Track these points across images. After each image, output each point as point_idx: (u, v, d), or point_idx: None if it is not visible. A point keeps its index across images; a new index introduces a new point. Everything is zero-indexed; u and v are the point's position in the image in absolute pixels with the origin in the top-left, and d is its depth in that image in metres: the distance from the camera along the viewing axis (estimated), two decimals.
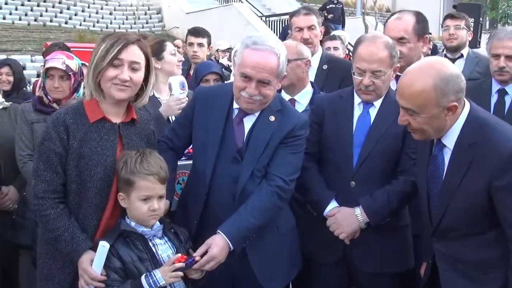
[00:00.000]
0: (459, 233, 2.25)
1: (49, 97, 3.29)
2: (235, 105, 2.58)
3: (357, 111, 2.80)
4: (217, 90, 2.70)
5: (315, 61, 3.77)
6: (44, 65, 3.35)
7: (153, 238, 2.37)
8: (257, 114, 2.57)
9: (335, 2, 16.27)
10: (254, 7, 19.00)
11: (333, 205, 2.78)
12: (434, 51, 8.34)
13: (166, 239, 2.42)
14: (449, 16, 5.04)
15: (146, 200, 2.30)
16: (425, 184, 2.36)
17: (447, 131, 2.24)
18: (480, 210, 2.17)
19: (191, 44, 4.76)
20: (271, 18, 18.28)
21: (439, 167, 2.29)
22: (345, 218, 2.72)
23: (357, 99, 2.80)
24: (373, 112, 2.78)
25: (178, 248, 2.41)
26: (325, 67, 3.75)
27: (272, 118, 2.55)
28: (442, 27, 5.12)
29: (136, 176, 2.28)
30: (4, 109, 3.59)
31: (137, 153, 2.34)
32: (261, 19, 17.47)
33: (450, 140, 2.25)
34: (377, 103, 2.77)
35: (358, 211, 2.71)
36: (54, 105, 3.28)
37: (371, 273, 2.79)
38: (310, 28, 3.80)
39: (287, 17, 16.85)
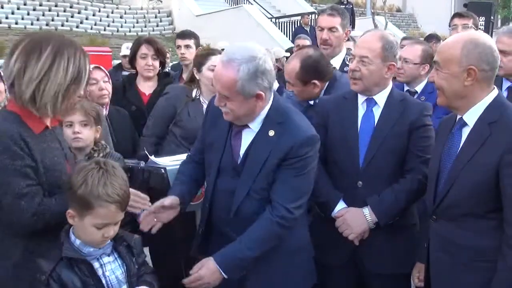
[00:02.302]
0: (460, 211, 2.25)
1: None
2: None
3: (361, 110, 2.80)
4: None
5: (336, 63, 3.76)
6: None
7: (101, 257, 2.13)
8: (257, 128, 2.42)
9: (345, 2, 16.26)
10: (263, 8, 19.04)
11: (341, 205, 2.76)
12: None
13: (116, 256, 2.17)
14: (457, 15, 4.98)
15: (101, 228, 2.05)
16: (437, 162, 2.37)
17: (470, 108, 2.27)
18: (486, 187, 2.17)
19: (178, 46, 4.84)
20: (280, 20, 18.28)
21: (455, 144, 2.31)
22: (354, 219, 2.71)
23: (360, 99, 2.80)
24: (377, 111, 2.77)
25: (129, 265, 2.18)
26: (346, 68, 3.71)
27: (272, 133, 2.37)
28: (450, 26, 5.08)
29: (97, 202, 2.00)
30: None
31: (99, 169, 2.04)
32: (270, 20, 17.50)
33: (472, 117, 2.27)
34: (381, 102, 2.76)
35: (367, 211, 2.70)
36: None
37: (381, 274, 2.76)
38: (331, 29, 3.76)
39: (297, 18, 16.97)
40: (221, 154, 2.47)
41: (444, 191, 2.29)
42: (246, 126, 2.43)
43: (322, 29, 3.80)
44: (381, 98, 2.76)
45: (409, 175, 2.70)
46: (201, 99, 3.52)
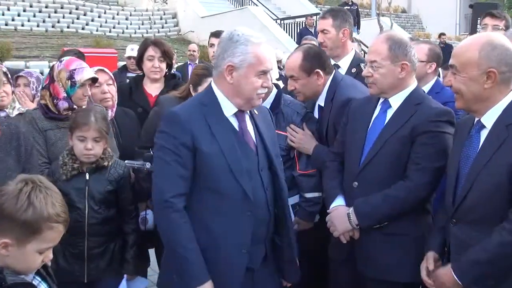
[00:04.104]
0: (479, 214, 2.23)
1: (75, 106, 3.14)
2: (228, 113, 2.41)
3: (377, 112, 2.77)
4: (198, 108, 2.40)
5: (344, 64, 3.75)
6: (71, 77, 3.04)
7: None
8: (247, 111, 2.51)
9: (350, 3, 16.27)
10: (268, 10, 19.04)
11: (337, 203, 2.77)
12: (447, 51, 8.10)
13: (40, 279, 1.89)
14: (489, 14, 4.53)
15: (43, 253, 1.80)
16: (456, 165, 2.35)
17: (489, 110, 2.25)
18: (504, 189, 2.15)
19: (212, 45, 4.82)
20: (285, 21, 18.28)
21: (473, 147, 2.30)
22: (338, 217, 2.72)
23: (381, 99, 2.77)
24: (390, 113, 2.72)
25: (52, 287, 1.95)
26: (353, 70, 3.67)
27: (256, 112, 2.55)
28: (480, 24, 4.86)
29: (46, 224, 1.76)
30: (20, 115, 3.62)
31: (39, 189, 1.79)
32: (275, 22, 17.50)
33: (489, 120, 2.26)
34: (395, 104, 2.70)
35: (351, 211, 2.69)
36: (70, 112, 3.18)
37: (374, 278, 2.71)
38: (323, 32, 3.78)
39: (302, 19, 16.97)
40: (240, 157, 2.36)
41: (463, 194, 2.27)
42: (243, 112, 2.48)
43: (319, 32, 3.87)
44: (396, 100, 2.70)
45: (402, 181, 2.61)
46: None
